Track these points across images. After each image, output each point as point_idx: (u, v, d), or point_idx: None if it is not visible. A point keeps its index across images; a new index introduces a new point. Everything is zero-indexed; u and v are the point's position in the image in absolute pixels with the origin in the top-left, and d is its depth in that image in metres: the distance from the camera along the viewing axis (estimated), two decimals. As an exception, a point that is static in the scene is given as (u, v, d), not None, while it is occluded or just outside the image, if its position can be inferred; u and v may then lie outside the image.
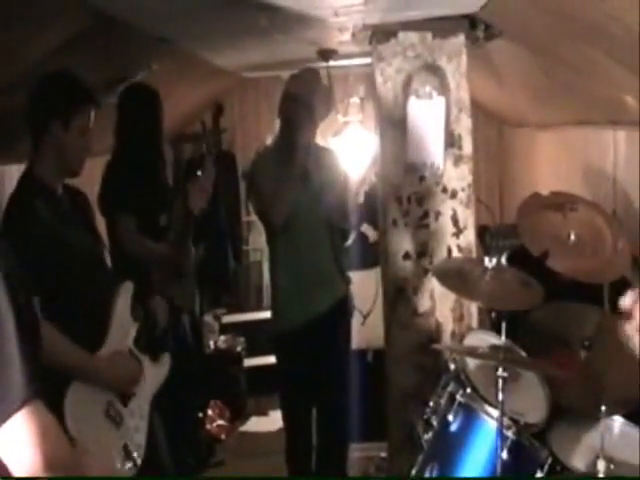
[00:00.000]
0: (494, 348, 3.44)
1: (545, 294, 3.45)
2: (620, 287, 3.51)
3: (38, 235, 3.20)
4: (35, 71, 3.48)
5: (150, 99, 4.79)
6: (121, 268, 4.36)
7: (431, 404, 3.64)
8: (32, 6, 3.08)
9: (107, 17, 3.69)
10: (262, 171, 4.75)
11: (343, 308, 4.81)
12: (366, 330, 5.83)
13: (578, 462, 3.14)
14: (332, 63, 6.20)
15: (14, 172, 3.88)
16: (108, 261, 3.69)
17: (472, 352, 3.60)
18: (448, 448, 3.46)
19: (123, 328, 3.45)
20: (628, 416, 3.22)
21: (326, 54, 6.04)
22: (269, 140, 5.80)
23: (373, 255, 5.92)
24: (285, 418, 4.90)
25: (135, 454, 3.32)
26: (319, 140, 4.93)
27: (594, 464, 2.92)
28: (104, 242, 3.75)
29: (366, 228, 6.28)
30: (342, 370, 4.82)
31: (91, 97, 3.49)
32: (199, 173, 4.14)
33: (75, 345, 3.06)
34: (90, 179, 4.38)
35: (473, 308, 4.76)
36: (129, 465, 3.28)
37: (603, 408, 2.93)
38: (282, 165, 4.57)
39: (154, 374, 3.61)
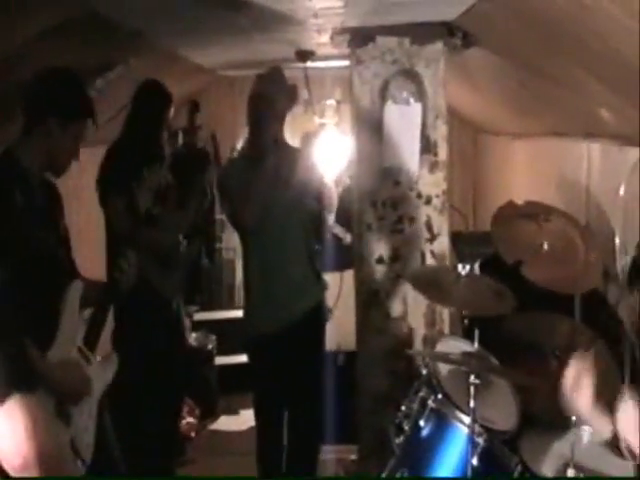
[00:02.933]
0: (466, 355, 3.48)
1: (517, 303, 3.49)
2: (591, 298, 3.57)
3: (6, 218, 3.19)
4: (15, 58, 3.50)
5: (164, 99, 5.08)
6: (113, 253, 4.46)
7: (403, 409, 3.67)
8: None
9: (89, 8, 3.69)
10: (231, 175, 4.75)
11: (318, 314, 4.81)
12: (337, 332, 5.84)
13: (547, 470, 3.17)
14: (309, 64, 6.21)
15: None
16: (65, 260, 3.68)
17: (445, 358, 3.64)
18: (419, 453, 3.50)
19: (72, 327, 3.45)
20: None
21: (304, 55, 6.04)
22: (240, 144, 5.81)
23: (345, 257, 5.94)
24: (257, 418, 4.92)
25: (83, 452, 3.33)
26: (294, 141, 4.94)
27: (563, 472, 2.96)
28: (67, 240, 3.75)
29: (339, 230, 6.30)
30: (314, 373, 4.84)
31: (93, 108, 3.55)
32: (145, 172, 4.18)
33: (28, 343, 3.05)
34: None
35: (445, 314, 4.80)
36: (79, 463, 3.29)
37: (573, 418, 2.97)
38: (251, 167, 4.57)
39: (102, 374, 3.60)
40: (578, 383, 2.50)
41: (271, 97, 4.56)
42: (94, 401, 3.49)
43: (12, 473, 1.80)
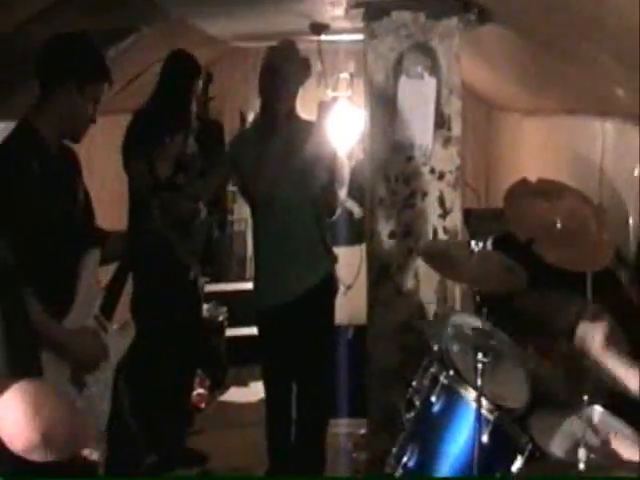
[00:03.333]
0: (476, 332, 3.48)
1: (530, 280, 3.49)
2: (603, 277, 3.57)
3: (23, 183, 3.20)
4: (27, 28, 3.49)
5: (193, 69, 5.22)
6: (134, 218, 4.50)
7: (414, 384, 3.68)
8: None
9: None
10: (243, 148, 4.76)
11: (327, 286, 4.82)
12: (348, 306, 5.86)
13: (557, 449, 3.18)
14: (323, 37, 6.20)
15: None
16: (84, 227, 3.69)
17: (455, 332, 3.65)
18: (430, 429, 3.50)
19: (90, 294, 3.48)
20: (607, 405, 3.27)
21: (318, 28, 6.04)
22: (251, 116, 5.83)
23: (358, 232, 5.95)
24: (266, 391, 4.95)
25: (98, 420, 3.36)
26: (307, 114, 4.93)
27: (574, 452, 2.96)
28: (88, 207, 3.76)
29: (351, 204, 6.30)
30: (322, 346, 4.85)
31: (109, 71, 3.54)
32: (167, 140, 4.20)
33: (44, 313, 3.05)
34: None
35: (457, 290, 4.80)
36: None
37: (585, 397, 2.98)
38: (262, 139, 4.58)
39: (118, 342, 3.62)
40: None
41: (283, 70, 4.54)
42: (110, 369, 3.52)
43: (19, 454, 1.81)
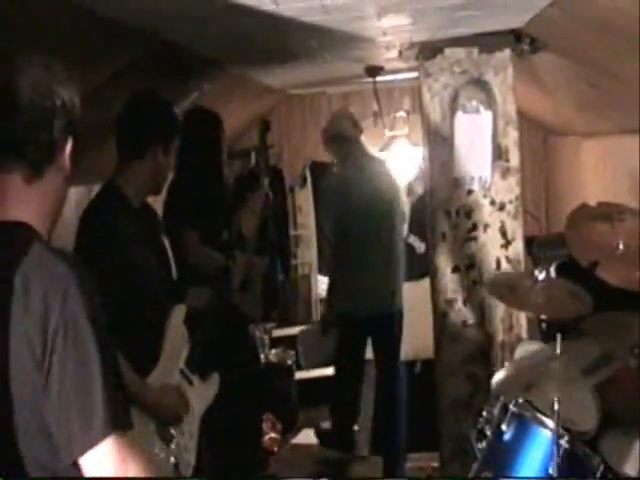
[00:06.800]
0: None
1: (594, 304, 3.50)
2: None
3: (113, 245, 3.21)
4: (102, 91, 3.60)
5: (213, 123, 4.79)
6: (186, 284, 4.50)
7: (484, 414, 3.68)
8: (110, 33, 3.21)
9: (167, 42, 3.80)
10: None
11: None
12: (414, 341, 5.88)
13: (630, 469, 3.17)
14: (378, 78, 6.27)
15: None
16: (169, 281, 3.74)
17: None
18: (502, 457, 3.50)
19: (175, 349, 3.48)
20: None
21: (373, 71, 6.10)
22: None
23: (421, 267, 5.97)
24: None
25: (184, 471, 3.38)
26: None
27: (647, 471, 2.96)
28: (169, 261, 3.82)
29: (413, 239, 6.34)
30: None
31: (180, 124, 3.62)
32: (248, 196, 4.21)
33: (130, 370, 3.01)
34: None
35: (522, 318, 4.79)
36: None
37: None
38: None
39: (203, 394, 3.64)
40: None
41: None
42: (195, 421, 3.52)
43: None
